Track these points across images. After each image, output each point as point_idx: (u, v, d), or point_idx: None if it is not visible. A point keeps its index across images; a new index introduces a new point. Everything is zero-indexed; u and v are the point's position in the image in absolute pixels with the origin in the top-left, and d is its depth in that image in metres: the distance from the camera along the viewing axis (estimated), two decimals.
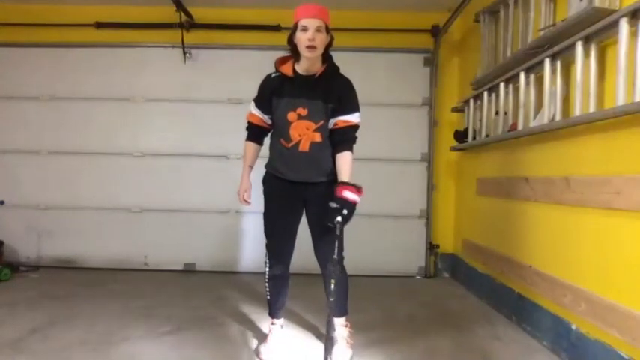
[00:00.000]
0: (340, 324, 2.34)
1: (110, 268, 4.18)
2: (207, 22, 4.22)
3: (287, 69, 2.17)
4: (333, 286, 2.01)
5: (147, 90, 4.28)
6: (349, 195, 2.05)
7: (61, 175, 4.29)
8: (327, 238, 2.18)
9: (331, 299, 2.01)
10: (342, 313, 2.35)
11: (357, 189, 2.08)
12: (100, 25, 4.25)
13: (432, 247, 4.27)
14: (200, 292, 3.53)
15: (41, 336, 2.49)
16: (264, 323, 2.61)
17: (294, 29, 2.07)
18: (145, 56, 4.29)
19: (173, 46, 4.23)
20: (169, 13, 4.03)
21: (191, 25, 4.19)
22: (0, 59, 4.30)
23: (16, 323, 2.67)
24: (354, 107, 2.19)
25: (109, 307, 3.04)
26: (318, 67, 2.15)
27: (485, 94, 3.30)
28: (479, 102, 3.50)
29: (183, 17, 4.10)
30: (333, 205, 2.04)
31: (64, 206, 4.29)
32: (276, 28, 4.12)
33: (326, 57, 2.16)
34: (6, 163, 4.31)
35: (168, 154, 4.27)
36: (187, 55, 4.20)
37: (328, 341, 2.04)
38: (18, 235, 4.25)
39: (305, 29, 2.03)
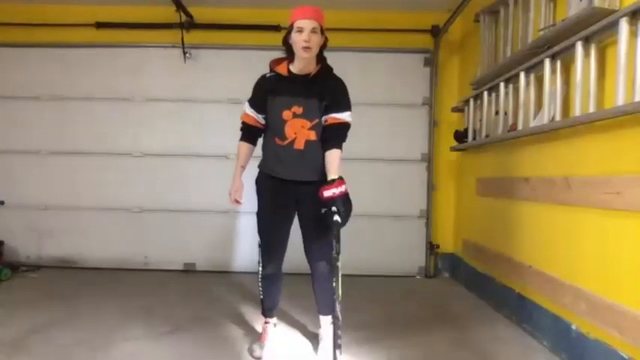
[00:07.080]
0: (328, 322, 2.34)
1: (110, 268, 4.17)
2: (207, 22, 4.22)
3: (282, 69, 2.23)
4: (334, 284, 2.04)
5: (147, 90, 4.28)
6: (328, 193, 2.07)
7: (61, 175, 4.29)
8: (317, 238, 2.23)
9: (334, 297, 2.01)
10: (330, 311, 2.34)
11: (332, 183, 2.09)
12: (100, 25, 4.25)
13: (432, 247, 4.26)
14: (200, 292, 3.53)
15: (41, 336, 2.49)
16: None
17: (289, 30, 2.13)
18: (145, 56, 4.29)
19: (173, 46, 4.23)
20: (169, 13, 4.03)
21: (191, 25, 4.19)
22: (0, 59, 4.30)
23: (16, 323, 2.67)
24: (345, 106, 2.23)
25: (109, 307, 3.04)
26: (312, 68, 2.20)
27: (485, 94, 3.30)
28: (479, 102, 3.50)
29: (183, 17, 4.10)
30: (323, 210, 2.08)
31: (64, 206, 4.29)
32: (276, 28, 4.12)
33: (320, 58, 2.20)
34: (6, 163, 4.31)
35: (168, 154, 4.27)
36: (187, 55, 4.20)
37: (336, 348, 1.99)
38: (18, 235, 4.25)
39: (301, 30, 2.08)
